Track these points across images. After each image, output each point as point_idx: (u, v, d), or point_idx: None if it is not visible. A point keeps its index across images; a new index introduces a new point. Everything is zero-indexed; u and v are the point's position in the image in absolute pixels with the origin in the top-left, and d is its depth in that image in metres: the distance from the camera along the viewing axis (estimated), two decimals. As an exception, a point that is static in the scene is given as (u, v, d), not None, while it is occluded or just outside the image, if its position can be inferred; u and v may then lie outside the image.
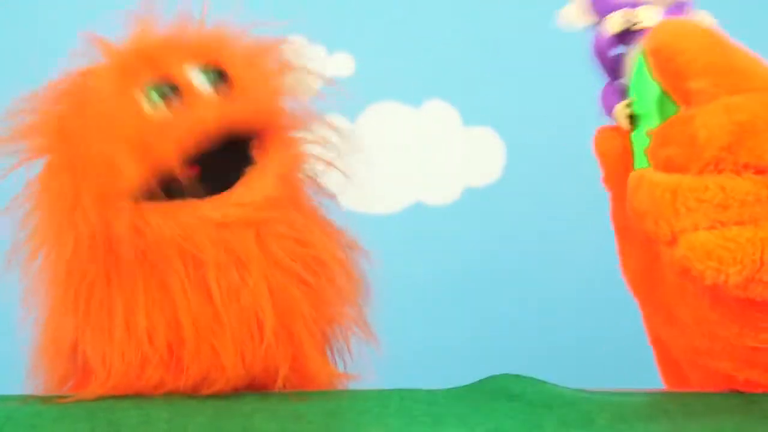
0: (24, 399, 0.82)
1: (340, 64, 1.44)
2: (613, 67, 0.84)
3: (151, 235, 0.80)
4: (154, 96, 0.81)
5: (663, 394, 0.83)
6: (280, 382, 0.83)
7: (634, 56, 0.77)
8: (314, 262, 0.84)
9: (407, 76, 1.49)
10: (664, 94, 0.75)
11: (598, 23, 0.83)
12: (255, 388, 0.85)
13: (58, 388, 0.88)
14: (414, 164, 1.50)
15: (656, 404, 0.80)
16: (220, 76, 0.83)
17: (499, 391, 0.82)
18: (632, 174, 0.75)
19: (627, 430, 0.74)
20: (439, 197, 1.50)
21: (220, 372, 0.82)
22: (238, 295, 0.81)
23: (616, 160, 0.84)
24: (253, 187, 0.82)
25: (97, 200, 0.80)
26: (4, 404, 0.81)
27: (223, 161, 0.83)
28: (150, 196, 0.81)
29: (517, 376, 0.82)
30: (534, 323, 1.46)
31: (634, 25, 0.81)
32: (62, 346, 0.85)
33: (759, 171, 0.70)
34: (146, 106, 0.81)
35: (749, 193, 0.70)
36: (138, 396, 0.83)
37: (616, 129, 0.85)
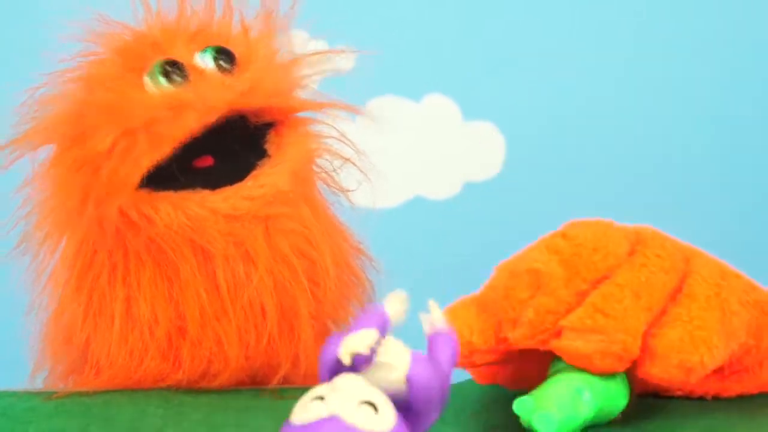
0: (19, 395, 0.82)
1: (341, 59, 1.44)
2: None
3: (161, 224, 0.80)
4: (161, 79, 0.81)
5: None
6: (279, 377, 0.83)
7: None
8: (320, 260, 0.84)
9: (407, 70, 1.49)
10: None
11: None
12: (256, 383, 0.85)
13: (63, 378, 0.88)
14: (414, 158, 1.50)
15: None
16: (227, 57, 0.83)
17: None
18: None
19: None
20: (438, 191, 1.50)
21: (222, 364, 0.82)
22: (243, 289, 0.81)
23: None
24: (264, 181, 0.82)
25: (107, 188, 0.79)
26: (-1, 400, 0.81)
27: (237, 153, 0.83)
28: (161, 184, 0.80)
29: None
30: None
31: None
32: (69, 337, 0.85)
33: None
34: (152, 88, 0.81)
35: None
36: (133, 391, 0.83)
37: None
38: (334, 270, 0.85)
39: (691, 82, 1.50)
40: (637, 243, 0.75)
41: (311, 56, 0.88)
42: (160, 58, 0.82)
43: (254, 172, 0.82)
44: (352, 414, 0.55)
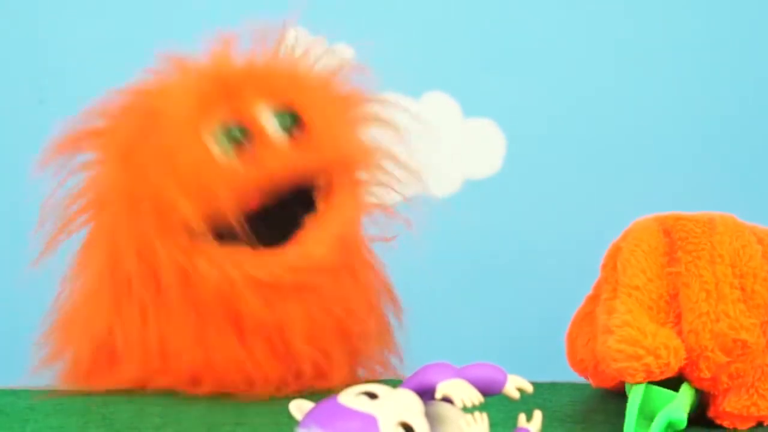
0: (18, 393, 0.82)
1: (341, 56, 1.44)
2: None
3: (196, 279, 0.79)
4: (224, 139, 0.79)
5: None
6: None
7: None
8: (359, 327, 0.83)
9: (408, 67, 1.49)
10: None
11: None
12: None
13: (85, 372, 0.86)
14: (414, 156, 1.50)
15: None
16: (294, 121, 0.80)
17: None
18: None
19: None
20: (439, 189, 1.50)
21: (247, 398, 0.81)
22: (272, 356, 0.81)
23: None
24: (304, 251, 0.79)
25: (149, 230, 0.79)
26: (-2, 398, 0.81)
27: (285, 199, 0.81)
28: (202, 234, 0.79)
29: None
30: (532, 315, 1.45)
31: None
32: (92, 332, 0.84)
33: None
34: (215, 149, 0.78)
35: None
36: (131, 390, 0.83)
37: None
38: (369, 338, 0.85)
39: (693, 79, 1.50)
40: None
41: (367, 105, 0.87)
42: (226, 109, 0.80)
43: (298, 236, 0.80)
44: (389, 427, 0.55)
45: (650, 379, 0.71)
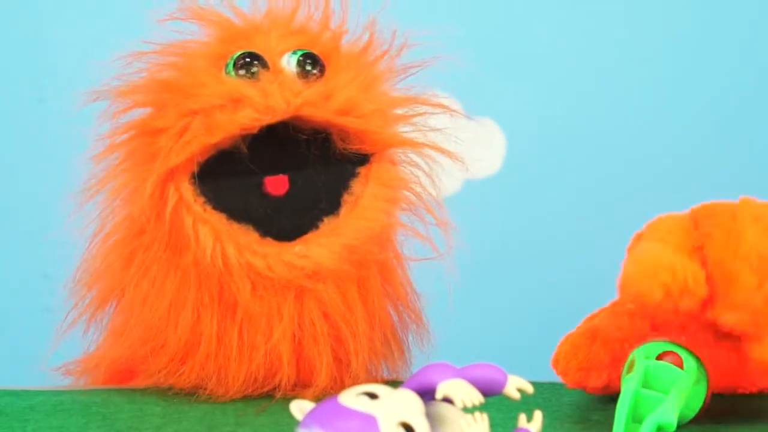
0: (18, 393, 0.82)
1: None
2: None
3: (196, 250, 0.78)
4: (233, 69, 0.78)
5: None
6: None
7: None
8: (352, 344, 0.81)
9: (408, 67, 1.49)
10: None
11: None
12: None
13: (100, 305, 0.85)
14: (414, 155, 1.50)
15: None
16: (312, 63, 0.80)
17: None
18: None
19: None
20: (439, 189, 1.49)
21: (222, 391, 0.80)
22: (260, 344, 0.79)
23: None
24: (310, 252, 0.79)
25: (161, 165, 0.77)
26: (-2, 398, 0.81)
27: (316, 187, 0.80)
28: (221, 201, 0.78)
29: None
30: (532, 314, 1.45)
31: None
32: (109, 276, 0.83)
33: None
34: (225, 78, 0.78)
35: None
36: (132, 390, 0.83)
37: None
38: (368, 353, 0.82)
39: (693, 79, 1.50)
40: None
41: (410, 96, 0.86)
42: (243, 46, 0.79)
43: (309, 234, 0.79)
44: (390, 427, 0.55)
45: (669, 300, 0.70)
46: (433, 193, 0.86)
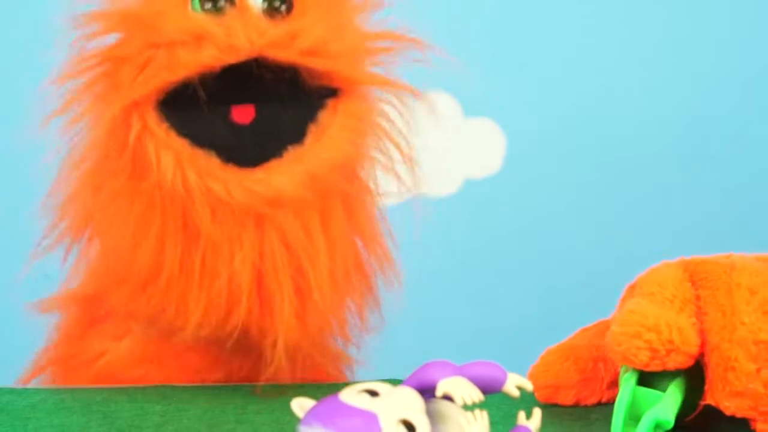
0: (19, 391, 0.82)
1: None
2: None
3: (157, 175, 0.77)
4: (197, 4, 0.78)
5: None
6: (267, 375, 0.81)
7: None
8: (313, 274, 0.79)
9: (407, 66, 1.49)
10: None
11: None
12: (232, 372, 0.84)
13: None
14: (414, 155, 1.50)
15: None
16: (281, 0, 0.79)
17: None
18: None
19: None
20: (439, 189, 1.50)
21: (182, 322, 0.79)
22: (220, 270, 0.78)
23: None
24: (271, 179, 0.78)
25: (124, 94, 0.78)
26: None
27: (281, 118, 0.78)
28: (185, 125, 0.78)
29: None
30: (532, 314, 1.46)
31: None
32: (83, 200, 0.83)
33: None
34: (191, 12, 0.78)
35: None
36: (132, 389, 0.83)
37: None
38: (329, 285, 0.80)
39: (694, 79, 1.50)
40: None
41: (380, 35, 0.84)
42: None
43: (272, 162, 0.78)
44: (390, 424, 0.55)
45: (657, 360, 0.69)
46: (404, 130, 0.85)
